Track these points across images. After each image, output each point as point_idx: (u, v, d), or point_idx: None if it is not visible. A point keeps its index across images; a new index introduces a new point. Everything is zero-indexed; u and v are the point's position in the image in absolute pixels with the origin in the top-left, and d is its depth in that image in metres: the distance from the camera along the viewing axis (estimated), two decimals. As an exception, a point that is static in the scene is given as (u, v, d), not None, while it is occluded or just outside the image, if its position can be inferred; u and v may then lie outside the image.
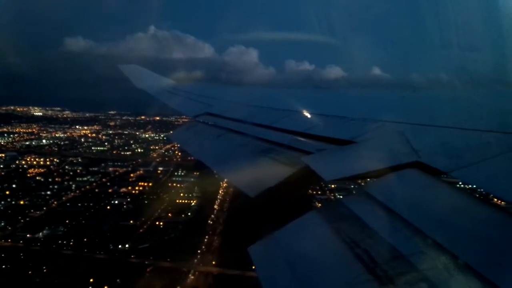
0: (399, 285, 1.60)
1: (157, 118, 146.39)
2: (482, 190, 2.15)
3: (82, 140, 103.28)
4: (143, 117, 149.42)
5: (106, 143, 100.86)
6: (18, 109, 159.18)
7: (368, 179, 2.75)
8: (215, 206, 59.05)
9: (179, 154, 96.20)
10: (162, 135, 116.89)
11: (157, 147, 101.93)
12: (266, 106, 6.42)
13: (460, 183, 2.27)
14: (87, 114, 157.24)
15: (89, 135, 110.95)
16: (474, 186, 2.20)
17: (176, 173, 77.74)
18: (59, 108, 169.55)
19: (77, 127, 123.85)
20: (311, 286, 1.90)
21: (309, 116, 5.34)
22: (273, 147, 3.91)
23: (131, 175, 72.48)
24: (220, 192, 65.59)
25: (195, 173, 79.79)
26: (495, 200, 2.12)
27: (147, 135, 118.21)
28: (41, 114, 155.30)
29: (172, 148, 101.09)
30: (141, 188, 65.31)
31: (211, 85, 13.47)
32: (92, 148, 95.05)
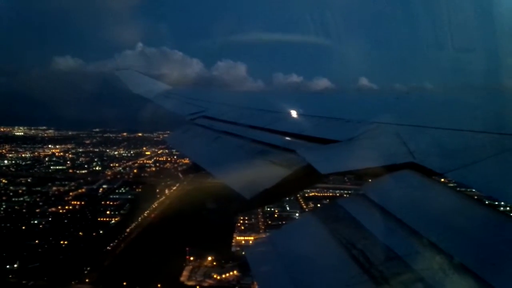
0: (394, 285, 1.61)
1: (139, 134, 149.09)
2: (476, 191, 2.14)
3: (46, 159, 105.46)
4: (125, 134, 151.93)
5: (68, 162, 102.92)
6: (2, 129, 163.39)
7: (364, 180, 2.79)
8: (132, 225, 61.05)
9: (135, 171, 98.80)
10: (132, 152, 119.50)
11: (117, 165, 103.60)
12: (262, 108, 6.47)
13: (455, 184, 2.28)
14: (70, 133, 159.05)
15: (57, 154, 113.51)
16: (469, 187, 2.19)
17: (117, 191, 79.92)
18: (44, 127, 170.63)
19: (49, 146, 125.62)
20: (307, 287, 1.92)
21: (304, 118, 5.38)
22: (269, 149, 3.95)
23: (70, 194, 74.79)
24: (145, 213, 67.51)
25: (137, 190, 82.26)
26: (490, 200, 2.16)
27: (116, 153, 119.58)
28: (22, 134, 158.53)
29: (132, 165, 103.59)
30: (70, 207, 67.76)
31: (207, 89, 14.08)
32: (51, 167, 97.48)
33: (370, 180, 2.69)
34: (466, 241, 1.76)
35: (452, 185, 2.33)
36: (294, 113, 5.76)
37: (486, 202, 2.05)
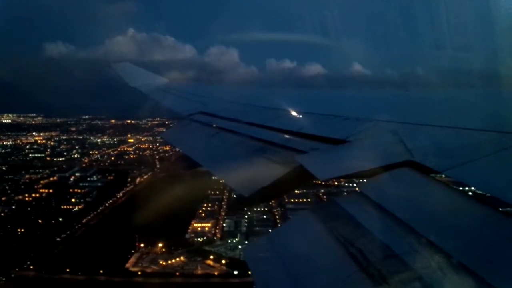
0: (392, 284, 1.61)
1: (128, 121, 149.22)
2: (474, 188, 2.15)
3: (27, 147, 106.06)
4: (113, 121, 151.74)
5: (48, 150, 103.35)
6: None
7: (362, 179, 2.76)
8: (94, 213, 62.15)
9: (113, 158, 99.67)
10: (115, 139, 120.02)
11: (96, 152, 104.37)
12: (260, 105, 6.50)
13: (453, 182, 2.28)
14: (58, 120, 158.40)
15: (39, 141, 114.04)
16: (467, 184, 2.18)
17: (89, 178, 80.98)
18: (34, 114, 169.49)
19: (33, 133, 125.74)
20: (305, 286, 1.92)
21: (303, 115, 5.34)
22: (267, 147, 3.93)
23: (41, 182, 75.79)
24: (110, 200, 68.54)
25: (109, 177, 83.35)
26: (487, 198, 2.14)
27: (99, 140, 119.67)
28: (9, 121, 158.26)
29: (111, 153, 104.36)
30: (38, 195, 68.93)
31: (205, 84, 13.71)
32: (30, 155, 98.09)
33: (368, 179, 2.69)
34: (464, 239, 1.77)
35: (450, 183, 2.32)
36: (292, 110, 5.76)
37: (484, 200, 2.05)
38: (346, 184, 65.38)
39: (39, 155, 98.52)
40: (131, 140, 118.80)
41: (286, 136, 4.18)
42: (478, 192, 2.20)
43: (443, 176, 2.36)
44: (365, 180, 2.67)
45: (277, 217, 60.32)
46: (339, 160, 3.26)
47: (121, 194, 71.77)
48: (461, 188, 2.29)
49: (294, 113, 5.64)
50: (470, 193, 2.16)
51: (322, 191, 67.09)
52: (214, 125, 5.68)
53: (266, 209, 63.23)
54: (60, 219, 58.76)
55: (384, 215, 2.11)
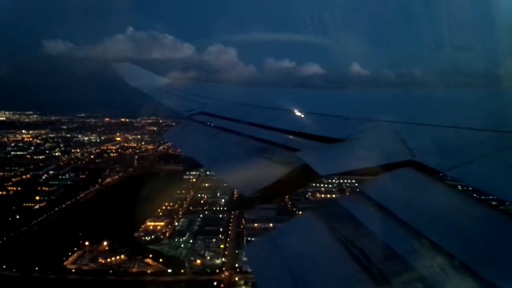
0: (394, 284, 1.63)
1: (122, 119, 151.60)
2: (476, 188, 2.14)
3: (12, 145, 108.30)
4: (107, 119, 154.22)
5: (32, 148, 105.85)
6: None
7: (364, 178, 2.75)
8: (53, 211, 63.37)
9: (92, 157, 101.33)
10: (103, 138, 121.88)
11: (78, 150, 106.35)
12: (261, 105, 6.53)
13: (454, 181, 2.28)
14: (53, 118, 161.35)
15: (26, 139, 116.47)
16: (468, 184, 2.19)
17: (60, 177, 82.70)
18: (30, 112, 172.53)
19: (23, 131, 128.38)
20: (306, 286, 1.93)
21: (304, 115, 5.39)
22: (268, 146, 3.94)
23: (13, 179, 77.77)
24: (74, 198, 69.90)
25: (81, 176, 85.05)
26: (489, 198, 2.15)
27: (86, 138, 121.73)
28: (3, 119, 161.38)
29: (93, 151, 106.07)
30: (5, 192, 70.74)
31: (205, 84, 13.71)
32: (12, 153, 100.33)
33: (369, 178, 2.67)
34: (465, 239, 1.78)
35: (451, 183, 2.33)
36: (293, 110, 5.78)
37: (485, 200, 2.06)
38: (313, 185, 65.64)
39: (21, 152, 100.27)
40: (118, 139, 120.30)
41: (287, 136, 4.21)
42: (479, 191, 2.21)
43: (445, 176, 2.38)
44: (365, 179, 2.68)
45: (231, 216, 60.74)
46: (340, 158, 3.28)
47: (83, 195, 72.84)
48: (464, 187, 2.35)
49: (294, 113, 5.67)
50: (471, 193, 2.18)
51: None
52: (215, 125, 5.77)
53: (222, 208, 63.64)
54: (18, 217, 60.13)
55: (386, 215, 2.13)
